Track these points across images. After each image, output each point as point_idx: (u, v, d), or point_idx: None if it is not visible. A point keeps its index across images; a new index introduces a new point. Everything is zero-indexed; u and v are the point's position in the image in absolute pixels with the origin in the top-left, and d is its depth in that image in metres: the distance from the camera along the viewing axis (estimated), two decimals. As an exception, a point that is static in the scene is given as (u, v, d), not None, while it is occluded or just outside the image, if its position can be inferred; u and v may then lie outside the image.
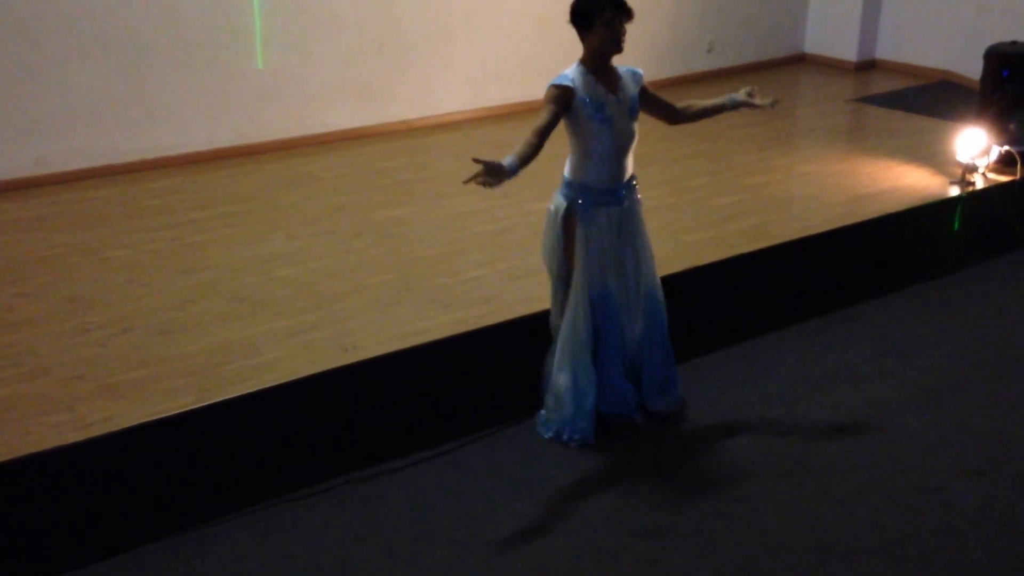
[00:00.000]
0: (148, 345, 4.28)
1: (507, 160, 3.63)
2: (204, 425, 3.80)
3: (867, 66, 9.15)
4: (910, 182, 6.16)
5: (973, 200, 6.04)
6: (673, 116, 4.15)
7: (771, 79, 8.88)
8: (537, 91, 7.69)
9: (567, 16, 3.85)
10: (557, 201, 4.02)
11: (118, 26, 6.34)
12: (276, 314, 4.55)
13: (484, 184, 3.57)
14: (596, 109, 3.82)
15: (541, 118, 3.80)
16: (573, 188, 3.98)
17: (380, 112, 7.40)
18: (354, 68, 7.23)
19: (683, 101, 4.17)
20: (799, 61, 9.43)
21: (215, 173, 6.52)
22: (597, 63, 3.85)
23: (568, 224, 3.99)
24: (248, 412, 3.88)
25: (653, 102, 4.07)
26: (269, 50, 6.86)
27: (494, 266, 5.04)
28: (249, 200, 6.02)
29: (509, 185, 6.10)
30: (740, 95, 4.12)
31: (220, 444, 3.87)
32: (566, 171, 4.01)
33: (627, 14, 3.78)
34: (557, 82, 3.82)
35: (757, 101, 4.11)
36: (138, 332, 4.40)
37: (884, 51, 9.14)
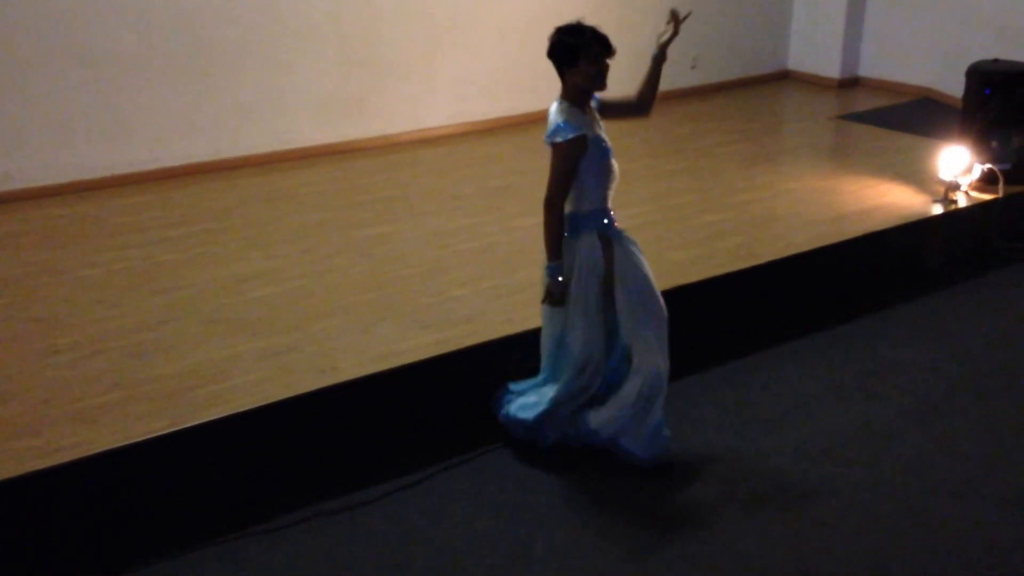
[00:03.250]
0: (119, 368, 4.22)
1: (553, 272, 3.88)
2: (176, 451, 3.75)
3: (850, 83, 9.24)
4: (893, 200, 6.19)
5: (956, 218, 6.09)
6: (637, 110, 4.07)
7: (755, 96, 8.95)
8: (519, 106, 7.86)
9: (548, 49, 3.79)
10: (586, 240, 3.89)
11: (89, 38, 6.30)
12: (252, 335, 4.50)
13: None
14: (600, 145, 3.79)
15: (560, 185, 3.76)
16: (594, 218, 3.89)
17: (361, 127, 7.38)
18: (334, 82, 7.21)
19: (629, 91, 4.04)
20: (783, 78, 9.50)
21: (190, 189, 6.48)
22: (580, 99, 3.80)
23: (607, 254, 3.91)
24: (222, 437, 3.83)
25: (615, 108, 4.01)
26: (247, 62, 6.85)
27: (477, 285, 5.01)
28: (225, 217, 5.98)
29: (493, 202, 6.17)
30: (656, 47, 4.00)
31: (193, 471, 3.82)
32: (573, 208, 3.87)
33: (611, 51, 3.74)
34: (571, 135, 3.69)
35: (665, 37, 3.98)
36: (108, 354, 4.34)
37: (867, 68, 9.23)
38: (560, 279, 3.86)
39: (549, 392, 4.14)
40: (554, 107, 3.83)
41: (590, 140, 3.75)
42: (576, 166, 3.75)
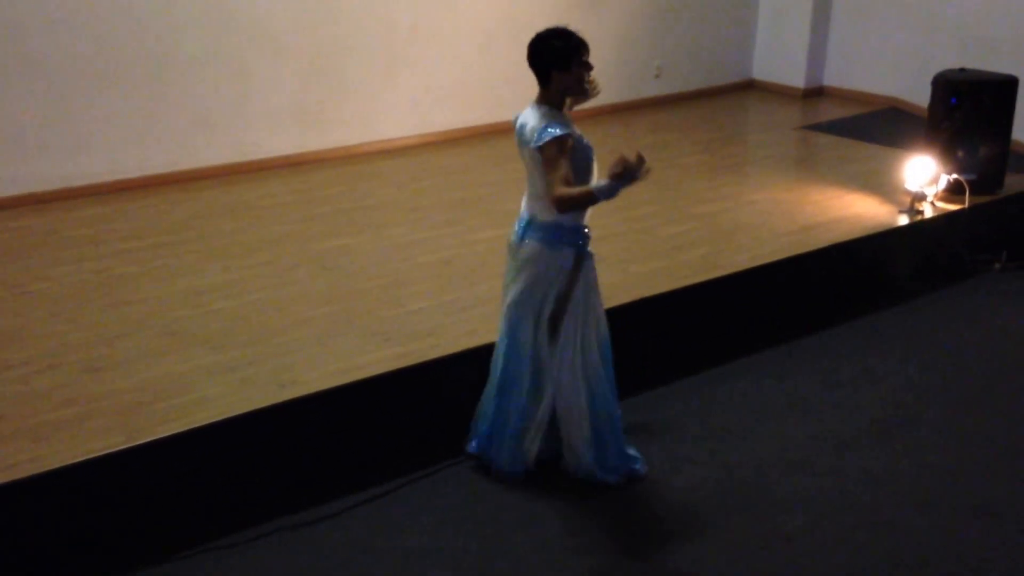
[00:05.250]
0: (74, 383, 4.21)
1: (607, 186, 3.57)
2: (133, 467, 3.75)
3: (815, 93, 9.34)
4: (858, 211, 6.28)
5: (922, 229, 6.20)
6: None
7: (719, 106, 9.03)
8: (481, 117, 7.92)
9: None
10: (564, 255, 3.90)
11: (42, 47, 6.26)
12: (211, 349, 4.51)
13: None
14: (582, 142, 3.82)
15: (558, 179, 3.63)
16: (578, 234, 3.92)
17: (320, 138, 7.40)
18: (294, 92, 7.22)
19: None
20: (747, 88, 9.60)
21: (146, 201, 6.45)
22: (561, 103, 3.84)
23: (573, 276, 3.94)
24: (180, 452, 3.84)
25: None
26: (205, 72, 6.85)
27: (438, 298, 5.04)
28: (183, 230, 5.97)
29: (454, 214, 6.21)
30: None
31: (150, 487, 3.82)
32: (559, 218, 3.85)
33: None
34: (560, 133, 3.68)
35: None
36: (63, 369, 4.32)
37: (832, 78, 9.34)
38: (604, 182, 3.58)
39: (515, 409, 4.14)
40: (532, 112, 3.84)
41: (575, 139, 3.78)
42: (566, 160, 3.71)
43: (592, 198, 3.64)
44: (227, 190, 6.70)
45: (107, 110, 6.55)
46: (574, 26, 3.86)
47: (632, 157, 3.49)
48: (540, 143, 3.71)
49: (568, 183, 3.66)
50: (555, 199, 3.67)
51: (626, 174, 3.50)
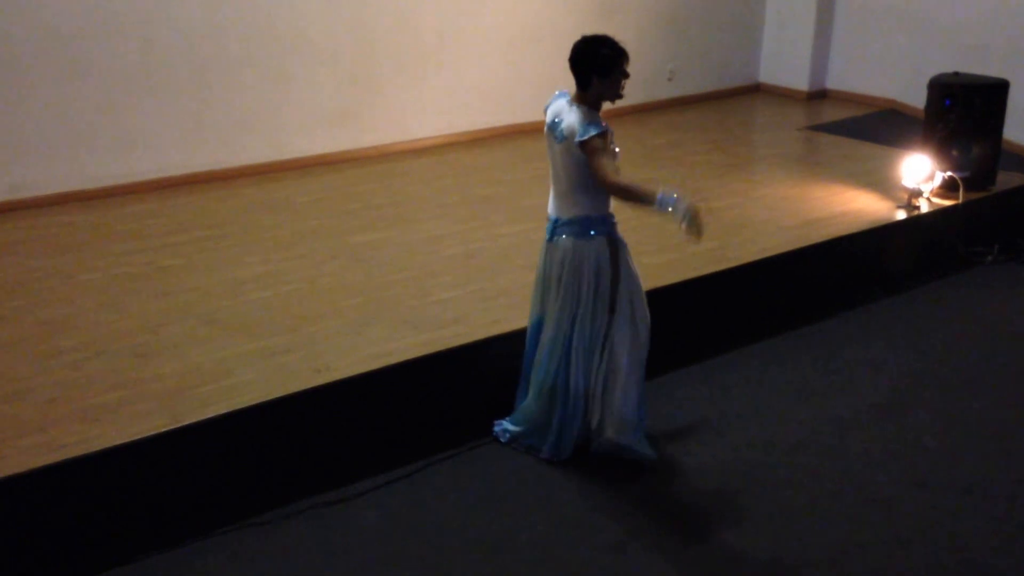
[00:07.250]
0: (121, 368, 4.21)
1: (666, 198, 3.57)
2: (177, 447, 3.74)
3: (818, 95, 9.27)
4: (859, 206, 6.22)
5: (918, 223, 6.13)
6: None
7: (728, 108, 8.97)
8: (504, 118, 7.88)
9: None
10: (598, 243, 3.90)
11: (93, 52, 6.26)
12: (249, 336, 4.49)
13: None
14: (612, 147, 3.82)
15: (607, 168, 3.66)
16: (606, 222, 3.91)
17: (354, 138, 7.38)
18: (329, 95, 7.21)
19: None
20: (754, 90, 9.53)
21: (190, 198, 6.45)
22: (598, 105, 3.82)
23: (614, 258, 3.93)
24: (221, 434, 3.82)
25: None
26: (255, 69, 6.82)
27: (464, 288, 5.01)
28: (224, 224, 5.96)
29: (478, 210, 6.17)
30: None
31: (193, 466, 3.81)
32: (586, 211, 3.87)
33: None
34: (603, 128, 3.70)
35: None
36: (111, 355, 4.32)
37: (834, 81, 9.27)
38: (675, 196, 3.57)
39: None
40: (569, 110, 3.80)
41: (611, 139, 3.77)
42: (609, 153, 3.72)
43: (648, 202, 3.61)
44: (266, 187, 6.70)
45: (153, 112, 6.55)
46: (593, 32, 3.82)
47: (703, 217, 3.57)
48: (584, 138, 3.69)
49: (613, 169, 3.68)
50: (612, 183, 3.67)
51: (694, 220, 3.54)
